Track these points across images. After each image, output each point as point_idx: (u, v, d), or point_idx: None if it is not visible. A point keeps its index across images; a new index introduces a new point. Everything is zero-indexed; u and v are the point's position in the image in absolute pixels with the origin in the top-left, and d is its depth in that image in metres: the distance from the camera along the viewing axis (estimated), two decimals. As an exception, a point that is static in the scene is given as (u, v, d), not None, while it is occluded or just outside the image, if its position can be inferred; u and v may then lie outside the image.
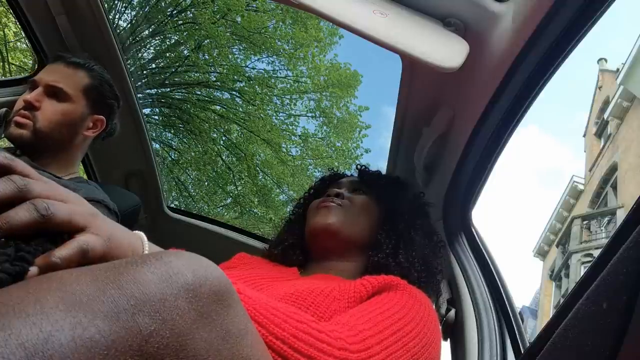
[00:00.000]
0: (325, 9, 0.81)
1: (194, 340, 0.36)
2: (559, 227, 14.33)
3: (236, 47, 8.83)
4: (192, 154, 9.12)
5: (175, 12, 8.60)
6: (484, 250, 1.15)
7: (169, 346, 0.35)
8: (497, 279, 1.08)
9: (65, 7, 1.34)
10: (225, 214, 9.62)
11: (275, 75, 9.10)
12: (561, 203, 14.92)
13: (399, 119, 1.21)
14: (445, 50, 0.81)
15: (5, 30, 7.27)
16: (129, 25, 8.41)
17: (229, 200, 9.61)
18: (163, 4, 8.57)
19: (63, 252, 0.38)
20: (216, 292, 0.39)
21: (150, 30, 8.75)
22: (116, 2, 8.16)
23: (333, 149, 9.23)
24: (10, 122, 1.14)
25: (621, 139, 12.25)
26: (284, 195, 9.18)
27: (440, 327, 0.89)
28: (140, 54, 8.76)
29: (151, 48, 9.08)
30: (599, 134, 14.65)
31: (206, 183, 9.47)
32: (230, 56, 8.72)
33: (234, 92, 9.06)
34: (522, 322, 1.04)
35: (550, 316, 0.45)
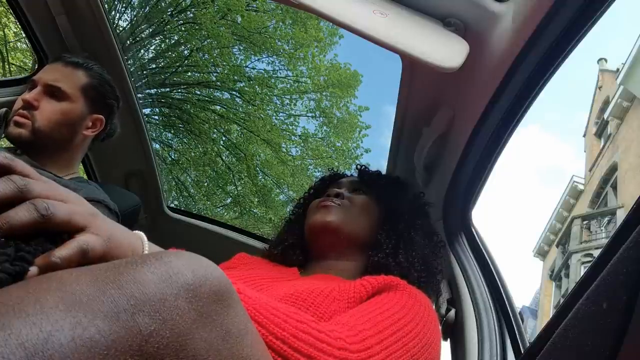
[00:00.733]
0: (325, 9, 0.81)
1: (194, 340, 0.36)
2: (559, 227, 14.33)
3: (236, 47, 8.83)
4: (192, 154, 9.12)
5: (175, 12, 8.60)
6: (484, 250, 1.15)
7: (169, 346, 0.35)
8: (497, 279, 1.08)
9: (65, 7, 1.34)
10: (225, 214, 9.62)
11: (275, 75, 9.11)
12: (561, 203, 14.93)
13: (399, 119, 1.21)
14: (445, 50, 0.81)
15: (5, 30, 7.27)
16: (129, 25, 8.42)
17: (228, 200, 9.62)
18: (163, 4, 8.57)
19: (63, 252, 0.38)
20: (216, 292, 0.39)
21: (151, 30, 8.75)
22: (116, 2, 8.17)
23: (333, 149, 9.23)
24: (10, 121, 1.14)
25: (621, 139, 12.25)
26: (283, 195, 9.19)
27: (440, 327, 0.89)
28: (140, 54, 8.77)
29: (151, 48, 9.09)
30: (599, 134, 14.66)
31: (206, 183, 9.48)
32: (230, 56, 8.72)
33: (234, 92, 9.06)
34: (522, 322, 1.04)
35: (550, 316, 0.45)
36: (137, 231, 0.50)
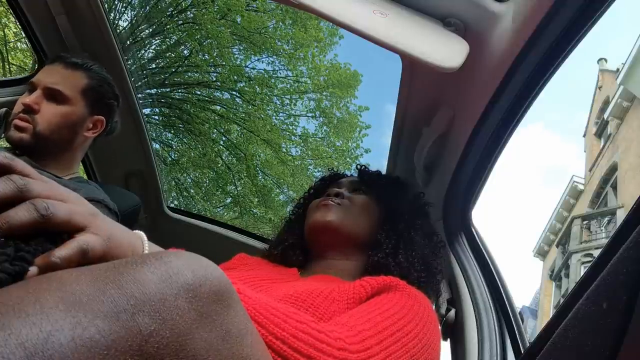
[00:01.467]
0: (325, 9, 0.81)
1: (193, 340, 0.36)
2: (559, 227, 14.33)
3: (236, 47, 8.83)
4: (192, 154, 9.12)
5: (175, 12, 8.60)
6: (484, 250, 1.15)
7: (169, 346, 0.35)
8: (497, 279, 1.08)
9: (65, 7, 1.34)
10: (225, 214, 9.62)
11: (275, 76, 9.11)
12: (561, 203, 14.93)
13: (399, 119, 1.21)
14: (445, 50, 0.81)
15: (5, 30, 7.27)
16: (129, 25, 8.41)
17: (228, 200, 9.62)
18: (163, 4, 8.57)
19: (63, 252, 0.38)
20: (216, 292, 0.39)
21: (151, 30, 8.75)
22: (116, 2, 8.17)
23: (333, 148, 9.23)
24: (10, 124, 1.14)
25: (621, 139, 12.25)
26: (283, 195, 9.19)
27: (439, 328, 0.89)
28: (140, 54, 8.77)
29: (151, 48, 9.09)
30: (599, 134, 14.66)
31: (206, 183, 9.48)
32: (230, 56, 8.72)
33: (234, 92, 9.06)
34: (522, 322, 1.04)
35: (550, 316, 0.45)
36: (137, 231, 0.50)
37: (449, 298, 1.11)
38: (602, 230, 11.54)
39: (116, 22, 8.08)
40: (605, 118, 13.77)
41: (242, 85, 8.99)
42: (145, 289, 0.35)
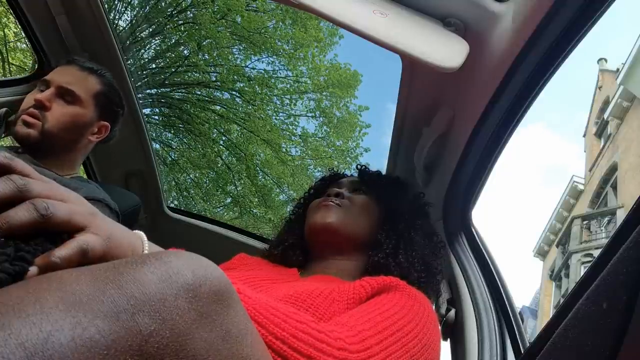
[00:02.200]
0: (325, 9, 0.81)
1: (193, 340, 0.36)
2: (559, 227, 14.33)
3: (236, 47, 8.83)
4: (192, 154, 9.12)
5: (175, 12, 8.60)
6: (484, 250, 1.15)
7: (169, 346, 0.35)
8: (497, 279, 1.08)
9: (65, 7, 1.34)
10: (225, 214, 9.62)
11: (275, 76, 9.11)
12: (561, 203, 14.93)
13: (399, 118, 1.21)
14: (445, 50, 0.81)
15: (5, 30, 7.27)
16: (129, 26, 8.41)
17: (228, 200, 9.62)
18: (163, 4, 8.57)
19: (63, 251, 0.38)
20: (216, 292, 0.39)
21: (150, 30, 8.75)
22: (116, 2, 8.16)
23: (333, 148, 9.23)
24: (17, 119, 1.13)
25: (621, 139, 12.25)
26: (284, 195, 9.19)
27: (439, 328, 0.89)
28: (140, 54, 8.77)
29: (151, 48, 9.09)
30: (599, 134, 14.66)
31: (206, 183, 9.48)
32: (230, 56, 8.72)
33: (234, 92, 9.06)
34: (522, 322, 1.04)
35: (550, 316, 0.45)
36: (137, 231, 0.50)
37: (449, 298, 1.11)
38: (602, 230, 11.55)
39: (116, 22, 8.07)
40: (605, 118, 13.77)
41: (242, 85, 8.99)
42: (145, 289, 0.35)
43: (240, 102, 9.08)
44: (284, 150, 9.20)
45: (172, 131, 9.30)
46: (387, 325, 0.67)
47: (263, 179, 9.17)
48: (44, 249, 0.38)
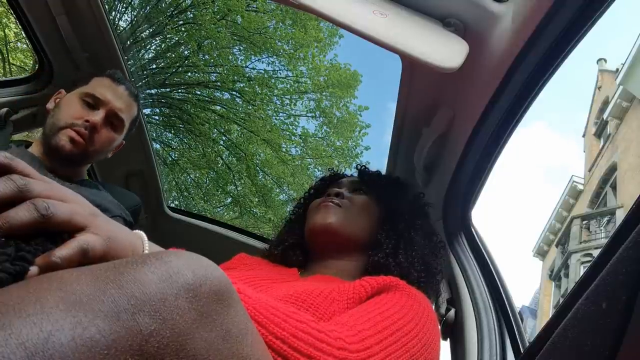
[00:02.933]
0: (325, 9, 0.81)
1: (194, 340, 0.36)
2: (559, 227, 14.34)
3: (236, 47, 8.83)
4: (193, 154, 9.12)
5: (175, 12, 8.59)
6: (483, 250, 1.15)
7: (169, 346, 0.35)
8: (496, 278, 1.08)
9: (66, 7, 1.33)
10: (225, 214, 9.62)
11: (276, 76, 9.11)
12: (560, 203, 14.93)
13: (399, 118, 1.21)
14: (445, 51, 0.81)
15: (6, 30, 7.26)
16: (129, 26, 8.41)
17: (229, 200, 9.62)
18: (163, 4, 8.56)
19: (63, 251, 0.38)
20: (216, 292, 0.39)
21: (151, 30, 8.75)
22: (116, 2, 8.16)
23: (333, 148, 9.23)
24: (59, 129, 1.10)
25: (620, 139, 12.26)
26: (284, 194, 9.19)
27: (439, 327, 0.89)
28: (140, 54, 8.76)
29: (151, 48, 9.09)
30: (599, 134, 14.67)
31: (206, 183, 9.48)
32: (230, 57, 8.72)
33: (234, 93, 9.06)
34: (522, 321, 1.04)
35: (550, 316, 0.45)
36: (137, 231, 0.50)
37: (448, 298, 1.11)
38: (601, 230, 11.55)
39: (116, 22, 8.07)
40: (604, 118, 13.78)
41: (242, 85, 8.99)
42: (145, 288, 0.35)
43: (241, 102, 9.08)
44: (284, 150, 9.21)
45: (173, 131, 9.30)
46: (387, 325, 0.68)
47: (263, 179, 9.17)
48: (44, 248, 0.38)
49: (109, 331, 0.32)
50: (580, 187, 14.54)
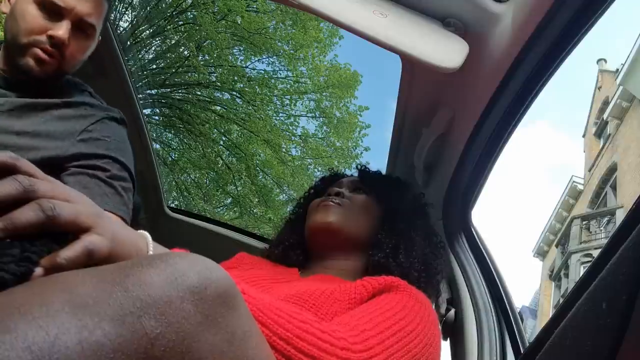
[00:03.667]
0: (325, 9, 0.81)
1: (199, 343, 0.36)
2: (559, 227, 14.33)
3: (236, 47, 8.83)
4: (193, 154, 9.12)
5: (175, 12, 8.59)
6: (483, 250, 1.15)
7: (175, 349, 0.34)
8: (496, 278, 1.08)
9: (66, 7, 1.33)
10: (225, 214, 9.62)
11: (276, 76, 9.11)
12: (561, 203, 14.93)
13: (399, 119, 1.21)
14: (445, 51, 0.81)
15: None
16: (129, 26, 8.41)
17: (229, 200, 9.62)
18: (163, 5, 8.56)
19: (69, 253, 0.38)
20: (221, 295, 0.39)
21: (151, 30, 8.75)
22: (116, 2, 8.16)
23: (333, 148, 9.23)
24: (22, 47, 0.93)
25: (620, 139, 12.26)
26: (284, 194, 9.19)
27: (440, 327, 0.89)
28: (140, 55, 8.76)
29: (152, 49, 9.08)
30: (599, 134, 14.67)
31: (206, 183, 9.48)
32: (230, 57, 8.72)
33: (234, 93, 9.06)
34: (522, 322, 1.04)
35: (550, 316, 0.45)
36: (141, 231, 0.50)
37: (448, 298, 1.11)
38: (601, 230, 11.55)
39: (116, 22, 8.07)
40: (604, 118, 13.78)
41: (242, 85, 8.99)
42: (151, 291, 0.35)
43: (241, 103, 9.08)
44: (284, 150, 9.20)
45: (173, 131, 9.30)
46: (389, 325, 0.68)
47: (263, 179, 9.16)
48: (49, 249, 0.38)
49: (115, 335, 0.32)
50: (580, 187, 14.54)
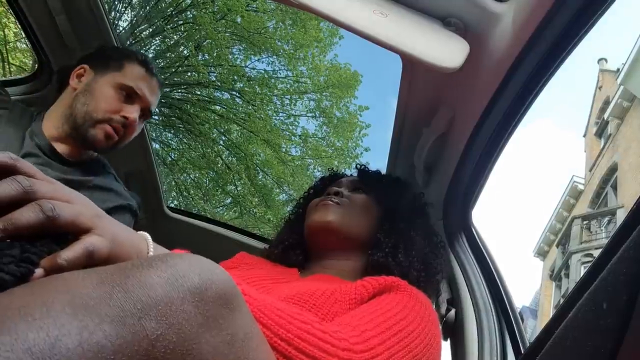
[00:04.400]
0: (325, 9, 0.81)
1: (200, 344, 0.36)
2: (559, 227, 14.33)
3: (236, 47, 8.83)
4: (192, 154, 9.12)
5: (175, 12, 8.59)
6: (484, 250, 1.15)
7: (175, 351, 0.34)
8: (497, 279, 1.08)
9: (65, 7, 1.34)
10: (225, 214, 9.62)
11: (275, 76, 9.10)
12: (561, 203, 14.93)
13: (399, 118, 1.21)
14: (445, 50, 0.81)
15: (6, 30, 7.26)
16: (129, 26, 8.41)
17: (229, 200, 9.62)
18: (163, 4, 8.56)
19: (69, 253, 0.38)
20: (222, 296, 0.39)
21: (150, 30, 8.75)
22: (116, 2, 8.16)
23: (333, 148, 9.23)
24: (97, 124, 1.08)
25: (621, 139, 12.26)
26: (284, 195, 9.18)
27: (440, 327, 0.89)
28: (140, 54, 8.75)
29: (151, 48, 9.08)
30: (599, 134, 14.66)
31: (206, 183, 9.47)
32: (230, 56, 8.72)
33: (234, 93, 9.06)
34: (522, 322, 1.04)
35: (550, 316, 0.45)
36: (142, 232, 0.50)
37: (449, 298, 1.11)
38: (602, 230, 11.55)
39: (116, 22, 8.07)
40: (605, 118, 13.78)
41: (242, 85, 8.98)
42: (151, 292, 0.35)
43: (240, 102, 9.07)
44: (284, 150, 9.20)
45: (172, 131, 9.29)
46: (390, 325, 0.68)
47: (263, 179, 9.16)
48: (49, 250, 0.38)
49: (115, 336, 0.32)
50: (581, 187, 14.54)
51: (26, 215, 0.37)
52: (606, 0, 0.70)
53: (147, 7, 8.53)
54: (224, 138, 9.14)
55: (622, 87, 11.93)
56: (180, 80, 9.02)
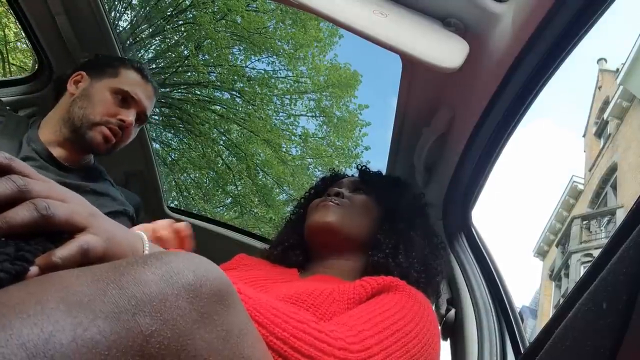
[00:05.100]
0: (325, 9, 0.81)
1: (194, 340, 0.36)
2: (559, 227, 14.33)
3: (236, 47, 8.83)
4: (192, 154, 9.12)
5: (175, 12, 8.59)
6: (483, 250, 1.15)
7: (170, 347, 0.35)
8: (497, 278, 1.08)
9: (65, 6, 1.34)
10: (225, 214, 9.62)
11: (276, 76, 9.10)
12: (561, 203, 14.93)
13: (399, 118, 1.21)
14: (445, 50, 0.81)
15: (6, 30, 7.26)
16: (129, 26, 8.41)
17: (229, 200, 9.62)
18: (163, 4, 8.56)
19: (64, 252, 0.38)
20: (217, 292, 0.39)
21: (150, 30, 8.74)
22: (116, 2, 8.16)
23: (333, 148, 9.23)
24: (94, 127, 1.12)
25: (621, 139, 12.26)
26: (284, 194, 9.18)
27: (439, 328, 0.89)
28: (140, 54, 8.76)
29: (151, 48, 9.08)
30: (599, 134, 14.66)
31: (206, 183, 9.47)
32: (230, 56, 8.72)
33: (234, 92, 9.06)
34: (522, 322, 1.04)
35: (550, 316, 0.45)
36: (137, 231, 0.50)
37: (448, 298, 1.11)
38: (602, 230, 11.55)
39: (116, 22, 8.07)
40: (605, 118, 13.78)
41: (242, 85, 8.98)
42: (146, 289, 0.35)
43: (241, 102, 9.07)
44: (284, 150, 9.20)
45: (172, 131, 9.29)
46: (387, 325, 0.68)
47: (263, 179, 9.16)
48: (44, 248, 0.38)
49: (109, 332, 0.32)
50: (581, 187, 14.54)
51: (21, 214, 0.37)
52: (606, 0, 0.70)
53: (147, 7, 8.53)
54: (224, 138, 9.14)
55: (621, 87, 11.94)
56: (180, 80, 9.02)
